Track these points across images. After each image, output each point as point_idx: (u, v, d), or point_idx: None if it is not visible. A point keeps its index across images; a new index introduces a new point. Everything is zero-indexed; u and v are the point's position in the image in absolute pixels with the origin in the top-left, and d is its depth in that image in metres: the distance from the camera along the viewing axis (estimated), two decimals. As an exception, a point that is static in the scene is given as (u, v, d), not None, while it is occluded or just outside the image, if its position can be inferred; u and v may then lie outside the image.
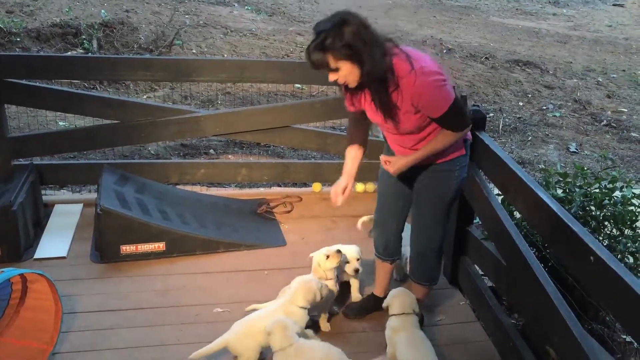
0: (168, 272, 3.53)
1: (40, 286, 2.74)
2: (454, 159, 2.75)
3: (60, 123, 5.63)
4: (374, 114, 2.63)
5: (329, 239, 3.84)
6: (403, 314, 2.85)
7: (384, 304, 2.92)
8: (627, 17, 14.86)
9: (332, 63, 2.37)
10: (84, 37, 7.74)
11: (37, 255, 3.60)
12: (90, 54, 7.42)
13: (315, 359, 2.60)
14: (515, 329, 2.99)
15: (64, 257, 3.61)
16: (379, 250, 3.14)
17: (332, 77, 2.45)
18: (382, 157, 2.76)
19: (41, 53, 7.15)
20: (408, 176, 2.82)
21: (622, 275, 1.98)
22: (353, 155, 2.82)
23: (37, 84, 4.18)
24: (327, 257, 3.03)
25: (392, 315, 2.87)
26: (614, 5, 16.15)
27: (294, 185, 4.98)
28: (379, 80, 2.42)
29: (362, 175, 4.46)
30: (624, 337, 3.21)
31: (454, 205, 2.92)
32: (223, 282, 3.45)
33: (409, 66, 2.42)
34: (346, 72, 2.40)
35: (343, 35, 2.32)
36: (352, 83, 2.47)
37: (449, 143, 2.63)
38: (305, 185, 4.88)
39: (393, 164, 2.70)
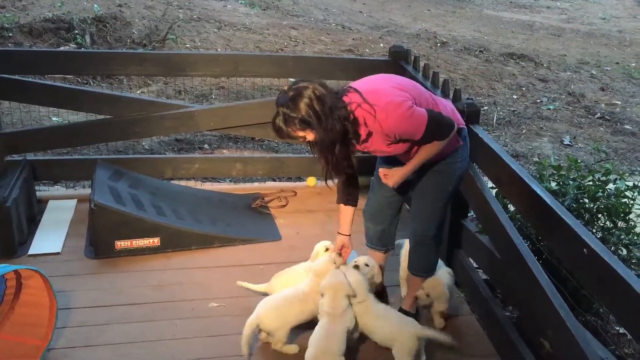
0: (163, 267, 3.53)
1: (35, 282, 2.73)
2: (453, 152, 2.80)
3: (54, 119, 5.60)
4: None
5: (324, 233, 3.85)
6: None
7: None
8: (620, 10, 14.89)
9: (294, 133, 2.54)
10: (76, 32, 7.70)
11: (31, 251, 3.60)
12: (83, 48, 7.38)
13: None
14: (509, 321, 3.00)
15: (58, 253, 3.61)
16: (373, 240, 3.17)
17: (302, 140, 2.61)
18: (381, 171, 2.87)
19: (34, 48, 7.11)
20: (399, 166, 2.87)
21: (615, 267, 1.99)
22: (345, 215, 2.98)
23: (30, 79, 4.16)
24: (327, 249, 3.08)
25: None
26: (607, -3, 16.17)
27: (289, 179, 4.98)
28: (331, 146, 2.55)
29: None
30: (618, 328, 3.23)
31: (452, 196, 2.95)
32: (218, 277, 3.45)
33: (372, 113, 2.53)
34: (311, 137, 2.56)
35: (299, 110, 2.47)
36: None
37: (439, 149, 2.69)
38: (299, 179, 4.88)
39: (391, 177, 2.81)
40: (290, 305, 2.89)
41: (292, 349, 2.88)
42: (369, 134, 2.61)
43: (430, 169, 2.82)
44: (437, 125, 2.61)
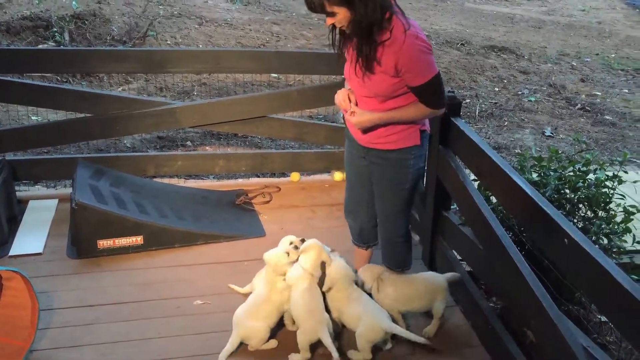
0: (147, 266, 3.50)
1: (16, 283, 2.70)
2: (406, 148, 2.75)
3: (33, 118, 5.53)
4: (350, 63, 2.65)
5: (308, 228, 3.86)
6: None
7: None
8: (600, 1, 15.01)
9: (328, 7, 2.40)
10: (55, 29, 7.61)
11: (12, 252, 3.55)
12: (62, 46, 7.30)
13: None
14: (493, 312, 3.02)
15: (39, 254, 3.56)
16: (354, 236, 3.19)
17: (328, 20, 2.48)
18: (353, 107, 2.67)
19: (12, 47, 7.01)
20: (363, 163, 2.87)
21: (595, 257, 2.01)
22: None
23: (9, 78, 4.10)
24: (291, 242, 3.07)
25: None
26: (586, -11, 16.27)
27: (272, 175, 4.97)
28: (368, 29, 2.44)
29: (341, 164, 4.50)
30: (599, 317, 3.27)
31: (414, 193, 2.95)
32: (203, 275, 3.44)
33: (405, 26, 2.45)
34: (341, 17, 2.43)
35: None
36: (347, 28, 2.51)
37: (420, 117, 2.66)
38: (283, 175, 4.87)
39: (358, 115, 2.66)
40: (256, 304, 2.88)
41: (271, 344, 2.86)
42: (382, 42, 2.47)
43: (384, 161, 2.78)
44: (437, 88, 2.56)
